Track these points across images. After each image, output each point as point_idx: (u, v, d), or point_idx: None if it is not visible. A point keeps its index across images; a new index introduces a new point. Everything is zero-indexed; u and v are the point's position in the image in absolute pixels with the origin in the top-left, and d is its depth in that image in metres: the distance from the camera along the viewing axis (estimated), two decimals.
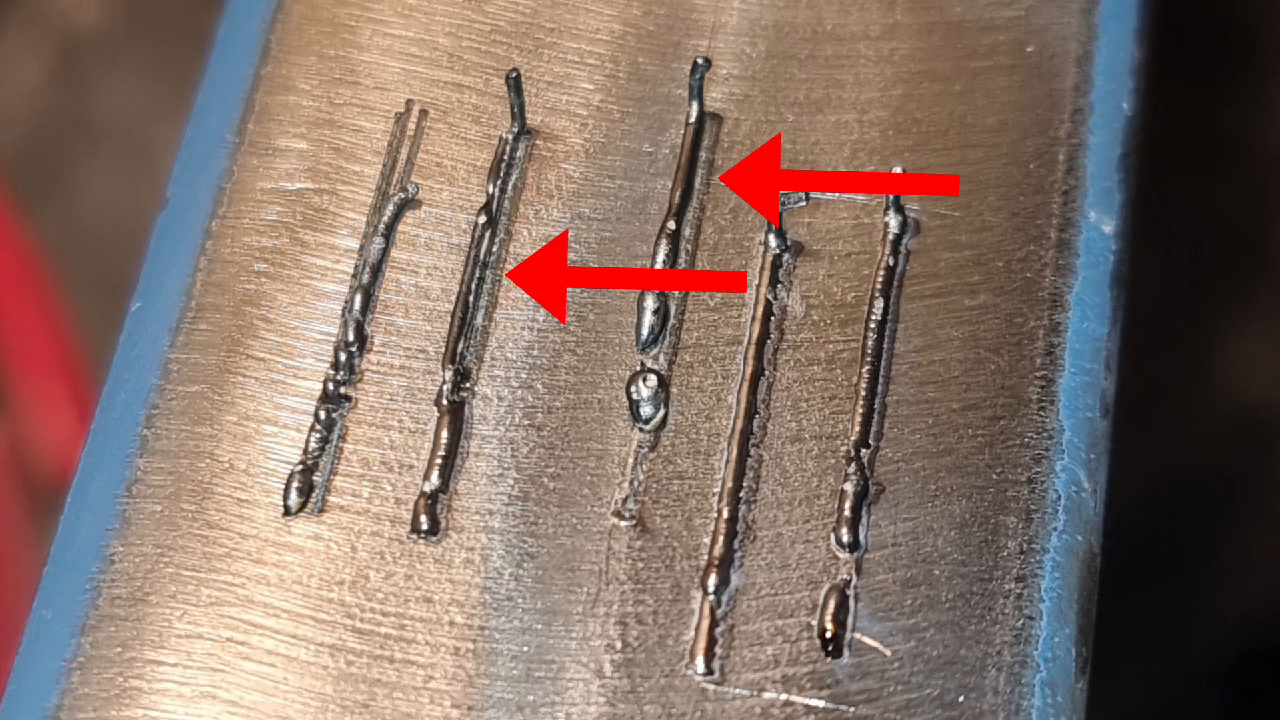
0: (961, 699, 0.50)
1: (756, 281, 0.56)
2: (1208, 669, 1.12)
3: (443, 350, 0.55)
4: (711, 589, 0.52)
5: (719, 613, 0.51)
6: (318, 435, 0.54)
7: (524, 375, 0.55)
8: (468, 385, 0.55)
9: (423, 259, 0.57)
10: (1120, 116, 0.59)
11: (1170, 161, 1.12)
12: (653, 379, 0.54)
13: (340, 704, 0.51)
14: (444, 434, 0.54)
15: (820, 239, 0.57)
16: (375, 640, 0.51)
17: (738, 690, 0.51)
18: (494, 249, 0.57)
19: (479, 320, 0.56)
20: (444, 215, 0.58)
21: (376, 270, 0.56)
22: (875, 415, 0.54)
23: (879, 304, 0.56)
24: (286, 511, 0.53)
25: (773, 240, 0.57)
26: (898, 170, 0.57)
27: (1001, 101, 0.59)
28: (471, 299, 0.56)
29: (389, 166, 0.58)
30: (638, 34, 0.61)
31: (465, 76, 0.60)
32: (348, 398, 0.55)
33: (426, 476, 0.53)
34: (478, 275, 0.56)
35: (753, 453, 0.54)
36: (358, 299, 0.56)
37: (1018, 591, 0.52)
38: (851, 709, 0.50)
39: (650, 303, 0.56)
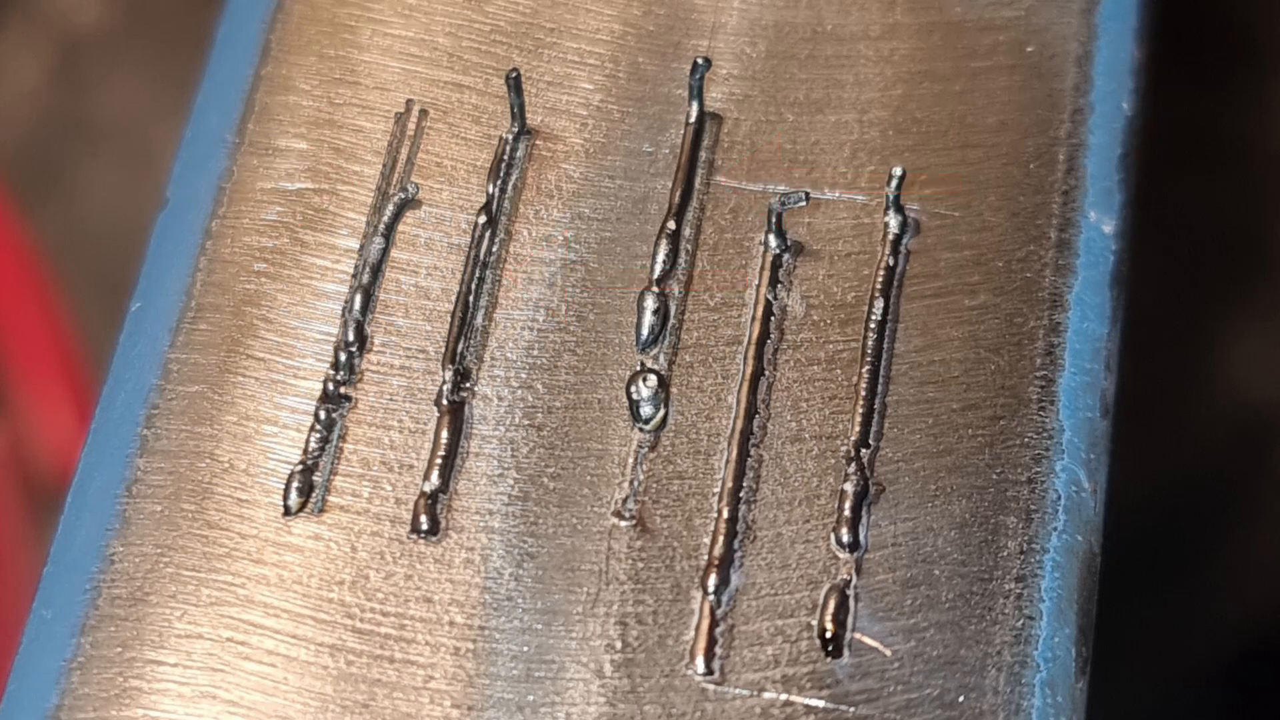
0: (961, 699, 0.50)
1: (756, 281, 0.56)
2: (1208, 669, 1.12)
3: (443, 350, 0.55)
4: (711, 589, 0.52)
5: (719, 613, 0.51)
6: (318, 435, 0.54)
7: (524, 375, 0.55)
8: (468, 385, 0.55)
9: (423, 259, 0.57)
10: (1120, 116, 0.59)
11: (1170, 161, 1.12)
12: (653, 379, 0.54)
13: (340, 704, 0.50)
14: (444, 434, 0.54)
15: (820, 239, 0.57)
16: (375, 640, 0.51)
17: (738, 690, 0.51)
18: (494, 249, 0.57)
19: (479, 320, 0.56)
20: (444, 215, 0.58)
21: (376, 270, 0.56)
22: (875, 415, 0.54)
23: (879, 304, 0.56)
24: (286, 511, 0.53)
25: (773, 240, 0.57)
26: (898, 171, 0.56)
27: (1001, 101, 0.59)
28: (471, 299, 0.56)
29: (389, 166, 0.58)
30: (638, 34, 0.61)
31: (465, 76, 0.60)
32: (348, 398, 0.55)
33: (426, 476, 0.53)
34: (478, 275, 0.56)
35: (753, 453, 0.54)
36: (358, 299, 0.56)
37: (1018, 591, 0.52)
38: (851, 709, 0.50)
39: (650, 303, 0.56)
